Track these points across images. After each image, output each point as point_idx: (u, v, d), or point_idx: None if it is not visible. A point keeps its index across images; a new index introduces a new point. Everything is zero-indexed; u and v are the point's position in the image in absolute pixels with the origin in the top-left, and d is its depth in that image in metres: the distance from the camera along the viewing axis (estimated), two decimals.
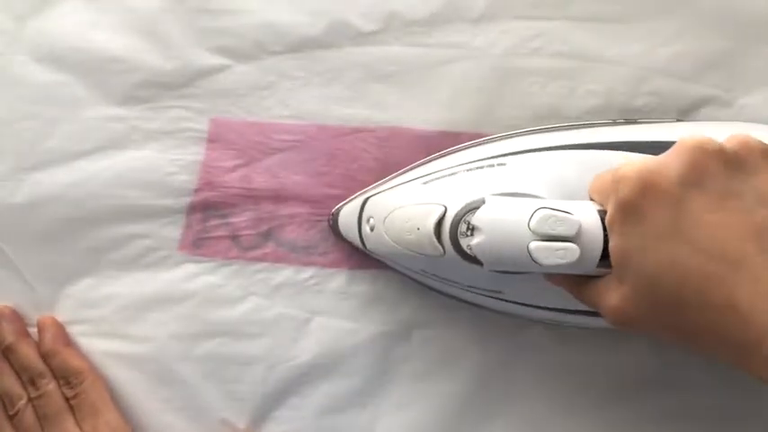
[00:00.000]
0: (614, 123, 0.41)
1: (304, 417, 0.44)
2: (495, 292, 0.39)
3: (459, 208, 0.34)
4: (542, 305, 0.40)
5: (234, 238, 0.44)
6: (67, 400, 0.43)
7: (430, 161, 0.42)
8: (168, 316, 0.44)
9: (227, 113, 0.44)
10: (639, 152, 0.36)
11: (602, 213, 0.31)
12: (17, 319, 0.44)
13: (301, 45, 0.44)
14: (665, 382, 0.42)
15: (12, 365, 0.43)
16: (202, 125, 0.44)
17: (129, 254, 0.44)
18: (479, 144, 0.41)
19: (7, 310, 0.44)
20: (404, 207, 0.38)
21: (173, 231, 0.44)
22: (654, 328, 0.30)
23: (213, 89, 0.44)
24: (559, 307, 0.39)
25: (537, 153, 0.38)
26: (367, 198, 0.41)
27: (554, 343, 0.43)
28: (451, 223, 0.34)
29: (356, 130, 0.44)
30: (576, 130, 0.40)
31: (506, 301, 0.40)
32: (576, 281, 0.33)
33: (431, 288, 0.42)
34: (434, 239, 0.35)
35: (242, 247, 0.44)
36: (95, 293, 0.44)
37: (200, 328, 0.44)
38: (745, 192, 0.28)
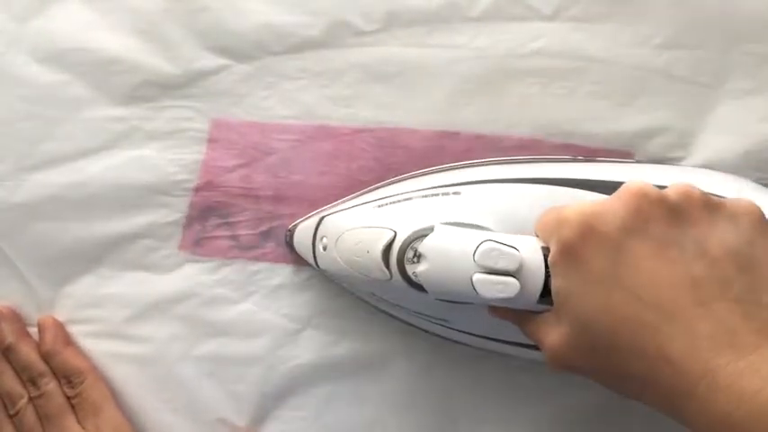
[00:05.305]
0: (573, 160, 0.41)
1: (304, 416, 0.44)
2: (442, 320, 0.40)
3: (407, 234, 0.35)
4: (489, 336, 0.40)
5: (234, 237, 0.44)
6: (69, 399, 0.43)
7: (387, 185, 0.42)
8: (168, 316, 0.44)
9: (228, 113, 0.44)
10: (591, 190, 0.36)
11: (546, 250, 0.32)
12: (17, 319, 0.44)
13: (301, 45, 0.44)
14: None
15: (12, 365, 0.43)
16: (203, 125, 0.44)
17: (129, 254, 0.44)
18: (438, 171, 0.41)
19: (7, 310, 0.44)
20: (356, 229, 0.38)
21: (173, 231, 0.44)
22: (589, 370, 0.31)
23: (213, 89, 0.44)
24: (506, 339, 0.39)
25: (492, 184, 0.38)
26: (323, 217, 0.41)
27: None
28: (399, 249, 0.35)
29: (356, 131, 0.44)
30: (534, 164, 0.40)
31: (453, 329, 0.40)
32: (519, 314, 0.33)
33: (380, 310, 0.42)
34: (382, 264, 0.35)
35: (242, 247, 0.44)
36: (95, 293, 0.44)
37: (200, 328, 0.44)
38: (685, 242, 0.28)
